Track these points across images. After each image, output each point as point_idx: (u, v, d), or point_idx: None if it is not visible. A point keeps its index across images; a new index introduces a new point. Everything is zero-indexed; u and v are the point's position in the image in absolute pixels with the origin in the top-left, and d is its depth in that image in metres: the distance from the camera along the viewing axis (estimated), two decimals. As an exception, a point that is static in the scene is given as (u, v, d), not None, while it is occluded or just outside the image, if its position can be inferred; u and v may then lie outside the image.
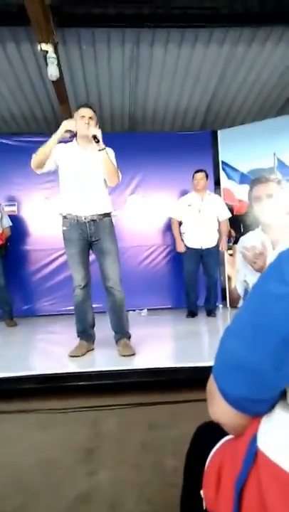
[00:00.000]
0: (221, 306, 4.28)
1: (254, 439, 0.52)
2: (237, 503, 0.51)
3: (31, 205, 4.45)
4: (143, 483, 1.41)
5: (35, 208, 4.44)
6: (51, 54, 3.09)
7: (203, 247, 3.81)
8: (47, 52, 3.07)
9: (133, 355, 2.39)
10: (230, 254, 4.27)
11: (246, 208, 4.00)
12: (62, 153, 2.48)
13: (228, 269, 4.37)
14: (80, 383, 2.11)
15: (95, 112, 2.50)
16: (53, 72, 3.16)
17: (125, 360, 2.33)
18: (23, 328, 3.74)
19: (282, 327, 0.47)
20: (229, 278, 4.34)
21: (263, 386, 0.51)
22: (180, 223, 3.95)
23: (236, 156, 4.40)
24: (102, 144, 2.38)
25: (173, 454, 1.50)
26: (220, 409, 0.57)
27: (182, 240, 3.91)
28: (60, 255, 4.40)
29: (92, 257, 2.62)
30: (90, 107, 2.50)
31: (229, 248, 4.07)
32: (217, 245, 3.89)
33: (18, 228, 4.25)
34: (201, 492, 0.66)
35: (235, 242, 4.19)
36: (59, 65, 3.23)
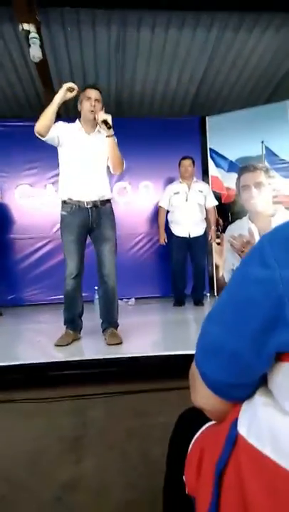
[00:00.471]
0: (208, 294, 4.30)
1: (234, 424, 0.52)
2: (216, 487, 0.51)
3: (15, 193, 4.35)
4: (129, 470, 1.42)
5: (19, 195, 4.35)
6: (33, 34, 2.97)
7: (191, 236, 3.81)
8: (29, 32, 2.96)
9: (120, 343, 2.38)
10: (218, 243, 4.28)
11: (234, 196, 4.01)
12: (65, 132, 2.39)
13: (215, 258, 4.39)
14: (66, 372, 2.09)
15: (101, 93, 2.42)
16: (35, 53, 3.05)
17: (112, 348, 2.32)
18: (8, 318, 3.69)
19: (261, 310, 0.46)
20: (217, 267, 4.36)
21: (243, 370, 0.51)
22: (168, 212, 3.93)
23: (224, 143, 4.38)
24: (112, 130, 2.32)
25: (159, 441, 1.49)
26: (201, 395, 0.57)
27: (169, 229, 3.89)
28: (46, 244, 4.35)
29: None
30: (97, 89, 2.42)
31: (217, 237, 4.07)
32: (205, 234, 3.89)
33: (1, 216, 4.17)
34: (184, 477, 0.66)
35: (223, 230, 4.20)
36: (42, 46, 3.12)
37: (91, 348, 2.45)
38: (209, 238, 3.93)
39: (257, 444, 0.47)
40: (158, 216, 4.03)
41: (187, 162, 3.81)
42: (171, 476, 0.77)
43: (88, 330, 2.64)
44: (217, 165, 4.43)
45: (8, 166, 4.27)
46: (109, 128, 2.33)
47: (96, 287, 3.81)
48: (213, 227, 3.92)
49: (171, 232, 3.90)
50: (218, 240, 4.18)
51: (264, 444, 0.47)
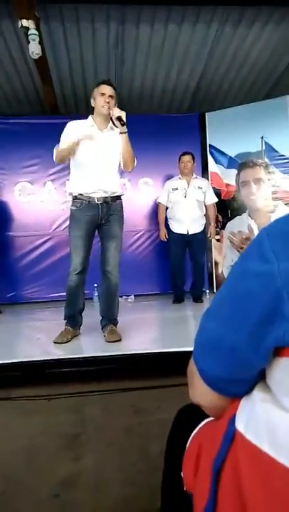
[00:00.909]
0: (207, 291, 4.30)
1: (232, 420, 0.52)
2: (214, 484, 0.51)
3: (14, 190, 4.33)
4: (128, 467, 1.42)
5: (18, 192, 4.33)
6: (32, 31, 2.95)
7: (190, 233, 3.79)
8: (28, 28, 2.93)
9: (119, 340, 2.38)
10: (217, 240, 4.27)
11: (234, 192, 4.00)
12: (77, 133, 2.39)
13: (214, 255, 4.38)
14: (65, 369, 2.09)
15: (115, 89, 2.42)
16: (34, 49, 3.03)
17: (111, 345, 2.32)
18: (7, 316, 3.69)
19: (260, 304, 0.46)
20: (216, 263, 4.35)
21: (241, 365, 0.50)
22: (167, 208, 3.91)
23: (224, 139, 4.35)
24: (125, 127, 2.32)
25: (158, 437, 1.49)
26: (200, 391, 0.57)
27: (168, 226, 3.88)
28: (45, 241, 4.33)
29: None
30: (112, 85, 2.41)
31: (216, 233, 4.06)
32: (204, 231, 3.88)
33: (1, 214, 4.15)
34: (182, 474, 0.65)
35: (223, 227, 4.18)
36: (41, 42, 3.10)
37: (90, 345, 2.44)
38: (209, 235, 3.92)
39: (254, 439, 0.47)
40: (157, 212, 4.02)
41: (187, 158, 3.79)
42: (170, 473, 0.76)
43: (87, 327, 2.64)
44: (216, 161, 4.42)
45: (7, 164, 4.25)
46: (123, 124, 2.33)
47: (95, 284, 3.83)
48: (212, 224, 3.90)
49: (169, 228, 3.89)
50: (217, 237, 4.17)
51: (262, 439, 0.46)
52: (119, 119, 2.31)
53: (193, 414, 0.70)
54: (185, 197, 3.78)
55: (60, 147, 2.39)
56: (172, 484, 0.72)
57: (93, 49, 3.79)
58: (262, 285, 0.45)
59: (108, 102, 2.34)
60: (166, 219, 3.93)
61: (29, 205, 4.33)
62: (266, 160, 3.68)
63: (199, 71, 4.25)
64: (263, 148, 4.16)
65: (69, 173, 2.58)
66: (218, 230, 4.09)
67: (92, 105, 2.44)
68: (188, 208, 3.77)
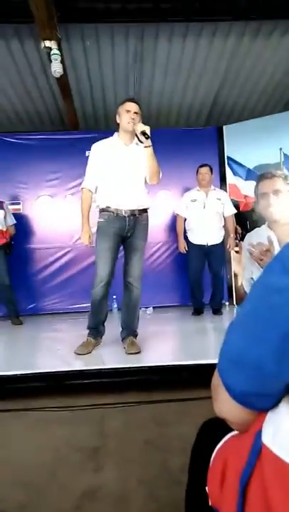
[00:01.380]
0: (227, 303, 4.24)
1: (259, 435, 0.51)
2: (241, 499, 0.50)
3: (36, 203, 4.45)
4: (149, 481, 1.40)
5: (39, 206, 4.44)
6: (55, 51, 3.08)
7: (208, 244, 3.77)
8: (50, 49, 3.07)
9: (139, 352, 2.37)
10: (237, 251, 4.23)
11: (252, 204, 3.97)
12: (103, 154, 2.48)
13: (234, 266, 4.33)
14: (85, 381, 2.10)
15: (140, 106, 2.49)
16: (56, 68, 3.16)
17: (131, 357, 2.32)
18: (28, 327, 3.74)
19: (284, 320, 0.46)
20: (235, 275, 4.31)
21: (266, 380, 0.50)
22: (185, 220, 3.92)
23: (242, 151, 4.36)
24: (150, 141, 2.39)
25: (179, 451, 1.49)
26: (225, 405, 0.56)
27: (187, 237, 3.88)
28: (65, 253, 4.40)
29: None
30: (136, 102, 2.49)
31: (235, 245, 4.03)
32: (222, 242, 3.85)
33: (22, 226, 4.26)
34: (206, 488, 0.65)
35: (242, 238, 4.15)
36: (62, 61, 3.22)
37: (110, 356, 2.45)
38: (227, 246, 3.89)
39: (281, 453, 0.46)
40: (176, 224, 4.03)
41: (204, 169, 3.80)
42: (194, 487, 0.75)
43: (107, 338, 2.65)
44: (235, 173, 4.41)
45: (29, 178, 4.37)
46: (147, 138, 2.38)
47: (114, 296, 3.85)
48: (231, 235, 3.87)
49: (188, 240, 3.89)
50: (236, 248, 4.14)
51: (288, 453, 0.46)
52: (143, 133, 2.36)
53: (217, 427, 0.69)
54: (204, 208, 3.78)
55: (83, 197, 2.55)
56: (197, 499, 0.71)
57: (112, 65, 3.90)
58: (286, 300, 0.46)
59: (133, 119, 2.41)
60: (185, 231, 3.93)
61: (50, 218, 4.42)
62: (285, 171, 3.64)
63: (217, 84, 4.30)
64: (282, 159, 4.13)
65: None
66: (237, 241, 4.06)
67: (118, 121, 2.50)
68: (207, 219, 3.76)
